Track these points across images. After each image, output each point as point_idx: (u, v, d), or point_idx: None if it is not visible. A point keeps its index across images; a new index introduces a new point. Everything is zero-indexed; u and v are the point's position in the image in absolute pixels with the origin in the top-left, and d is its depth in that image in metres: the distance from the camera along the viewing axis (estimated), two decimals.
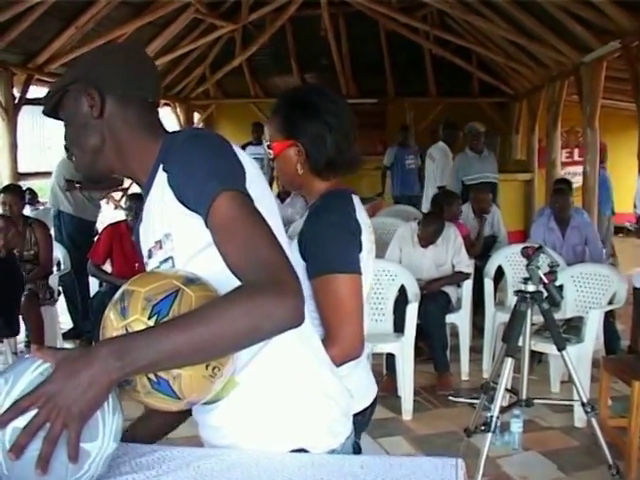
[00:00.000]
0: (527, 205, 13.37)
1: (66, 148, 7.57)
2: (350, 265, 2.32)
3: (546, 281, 4.22)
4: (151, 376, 1.56)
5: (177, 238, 1.77)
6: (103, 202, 9.75)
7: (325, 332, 2.26)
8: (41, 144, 22.06)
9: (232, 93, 16.84)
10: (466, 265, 6.88)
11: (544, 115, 13.03)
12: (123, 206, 12.76)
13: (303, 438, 1.83)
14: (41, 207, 11.20)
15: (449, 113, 15.33)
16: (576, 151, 16.30)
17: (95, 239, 7.56)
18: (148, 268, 1.90)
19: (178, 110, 16.61)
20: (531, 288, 4.38)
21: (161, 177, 1.77)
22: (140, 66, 1.92)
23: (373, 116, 16.35)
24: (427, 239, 6.78)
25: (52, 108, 1.95)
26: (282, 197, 9.72)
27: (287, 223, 8.80)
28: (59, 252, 7.55)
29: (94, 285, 7.54)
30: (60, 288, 7.81)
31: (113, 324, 1.61)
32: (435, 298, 6.58)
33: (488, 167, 9.74)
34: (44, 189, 12.79)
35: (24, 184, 11.22)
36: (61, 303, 7.78)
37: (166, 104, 16.45)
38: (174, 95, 16.06)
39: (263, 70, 16.44)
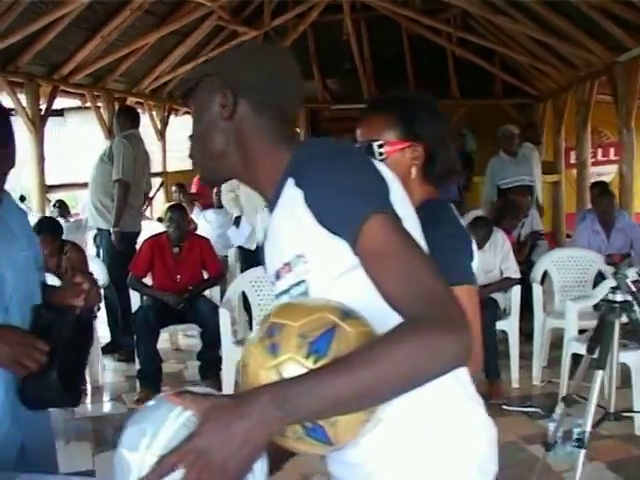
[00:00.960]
0: (555, 207, 13.25)
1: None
2: (469, 276, 2.21)
3: (634, 289, 4.09)
4: (306, 422, 1.43)
5: (313, 260, 1.62)
6: None
7: None
8: (59, 155, 21.97)
9: None
10: (514, 270, 6.75)
11: (571, 116, 12.90)
12: (147, 216, 12.67)
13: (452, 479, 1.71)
14: (72, 219, 11.12)
15: (473, 115, 15.25)
16: (599, 151, 16.13)
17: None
18: (276, 290, 1.77)
19: None
20: (619, 297, 4.24)
21: (292, 193, 1.63)
22: (285, 74, 1.78)
23: None
24: (475, 245, 6.62)
25: (185, 94, 1.83)
26: None
27: None
28: (97, 266, 7.43)
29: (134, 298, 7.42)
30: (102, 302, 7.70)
31: (259, 363, 1.46)
32: (485, 305, 6.43)
33: (523, 170, 9.59)
34: (69, 200, 12.74)
35: (52, 196, 11.18)
36: (100, 316, 7.69)
37: (187, 112, 16.36)
38: None
39: None
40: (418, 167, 2.29)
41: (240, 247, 7.51)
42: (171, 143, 15.48)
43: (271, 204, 1.74)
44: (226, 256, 8.86)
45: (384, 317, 1.51)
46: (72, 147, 19.34)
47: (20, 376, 2.15)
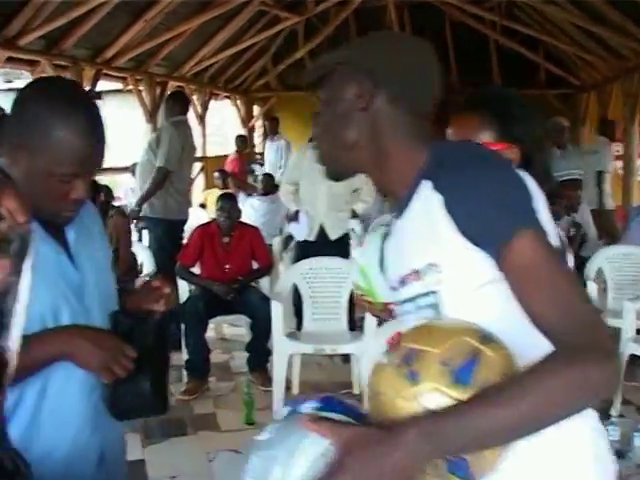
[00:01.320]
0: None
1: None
2: None
3: None
4: (451, 456, 1.34)
5: (448, 271, 1.53)
6: None
7: None
8: None
9: (292, 85, 16.54)
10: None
11: (616, 107, 12.71)
12: None
13: None
14: (116, 203, 11.04)
15: None
16: None
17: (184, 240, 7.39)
18: (399, 296, 1.68)
19: (238, 103, 16.44)
20: None
21: (430, 196, 1.54)
22: (425, 67, 1.69)
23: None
24: None
25: (315, 81, 1.73)
26: None
27: (363, 220, 8.54)
28: (142, 253, 7.37)
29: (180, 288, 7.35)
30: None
31: (397, 391, 1.36)
32: None
33: (573, 163, 9.36)
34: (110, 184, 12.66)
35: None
36: None
37: (226, 97, 16.32)
38: (234, 88, 15.89)
39: None
40: None
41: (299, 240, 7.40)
42: (210, 127, 15.43)
43: (402, 204, 1.66)
44: (270, 245, 8.77)
45: (517, 334, 1.44)
46: (111, 130, 19.27)
47: (107, 386, 2.07)
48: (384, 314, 2.31)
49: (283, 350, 5.83)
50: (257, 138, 17.68)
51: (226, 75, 14.89)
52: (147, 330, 2.15)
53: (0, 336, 0.89)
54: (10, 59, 9.30)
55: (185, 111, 8.04)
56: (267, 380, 6.29)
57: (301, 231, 7.14)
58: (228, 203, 6.91)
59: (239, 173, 13.20)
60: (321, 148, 1.77)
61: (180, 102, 8.08)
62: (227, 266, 6.78)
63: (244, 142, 14.31)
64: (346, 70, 1.66)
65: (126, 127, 16.79)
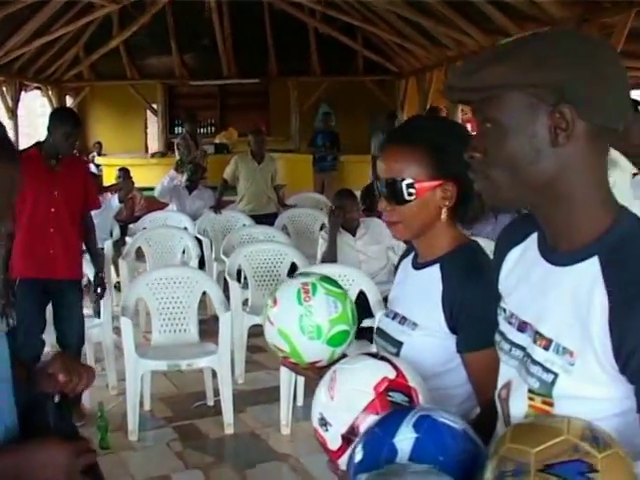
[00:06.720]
0: None
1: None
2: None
3: None
4: None
5: (581, 364, 1.31)
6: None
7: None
8: None
9: (107, 75, 15.99)
10: None
11: (436, 94, 13.04)
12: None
13: None
14: None
15: (334, 91, 15.15)
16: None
17: None
18: (512, 337, 1.49)
19: (50, 93, 15.72)
20: None
21: (592, 280, 1.29)
22: (623, 83, 1.34)
23: (256, 96, 15.99)
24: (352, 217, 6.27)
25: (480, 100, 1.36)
26: (190, 188, 9.23)
27: (195, 217, 8.23)
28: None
29: None
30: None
31: None
32: None
33: None
34: None
35: None
36: None
37: (37, 87, 15.57)
38: (45, 78, 15.17)
39: (140, 51, 15.68)
40: (449, 208, 1.98)
41: None
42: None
43: (560, 262, 1.39)
44: (102, 248, 8.08)
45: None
46: None
47: None
48: (310, 372, 2.12)
49: (136, 370, 5.39)
50: None
51: (37, 65, 14.17)
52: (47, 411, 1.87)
53: None
54: None
55: None
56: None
57: None
58: None
59: None
60: (485, 183, 1.43)
61: None
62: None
63: None
64: (533, 95, 1.30)
65: None
